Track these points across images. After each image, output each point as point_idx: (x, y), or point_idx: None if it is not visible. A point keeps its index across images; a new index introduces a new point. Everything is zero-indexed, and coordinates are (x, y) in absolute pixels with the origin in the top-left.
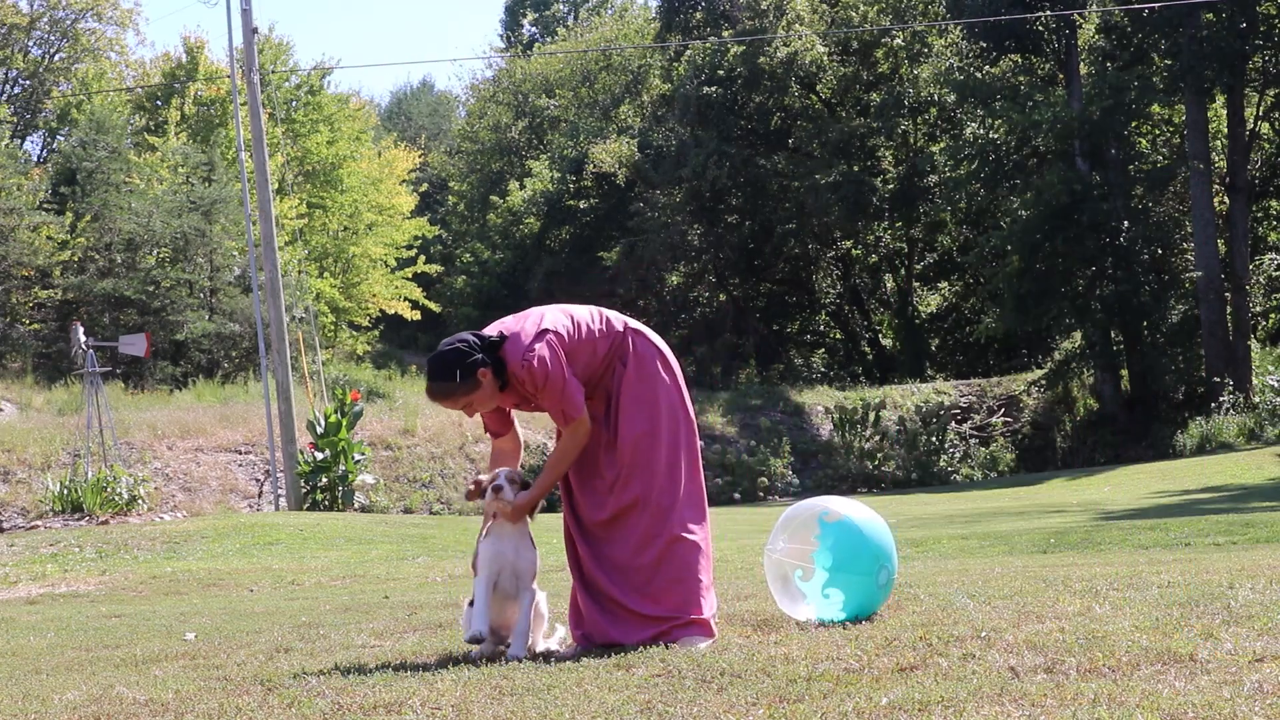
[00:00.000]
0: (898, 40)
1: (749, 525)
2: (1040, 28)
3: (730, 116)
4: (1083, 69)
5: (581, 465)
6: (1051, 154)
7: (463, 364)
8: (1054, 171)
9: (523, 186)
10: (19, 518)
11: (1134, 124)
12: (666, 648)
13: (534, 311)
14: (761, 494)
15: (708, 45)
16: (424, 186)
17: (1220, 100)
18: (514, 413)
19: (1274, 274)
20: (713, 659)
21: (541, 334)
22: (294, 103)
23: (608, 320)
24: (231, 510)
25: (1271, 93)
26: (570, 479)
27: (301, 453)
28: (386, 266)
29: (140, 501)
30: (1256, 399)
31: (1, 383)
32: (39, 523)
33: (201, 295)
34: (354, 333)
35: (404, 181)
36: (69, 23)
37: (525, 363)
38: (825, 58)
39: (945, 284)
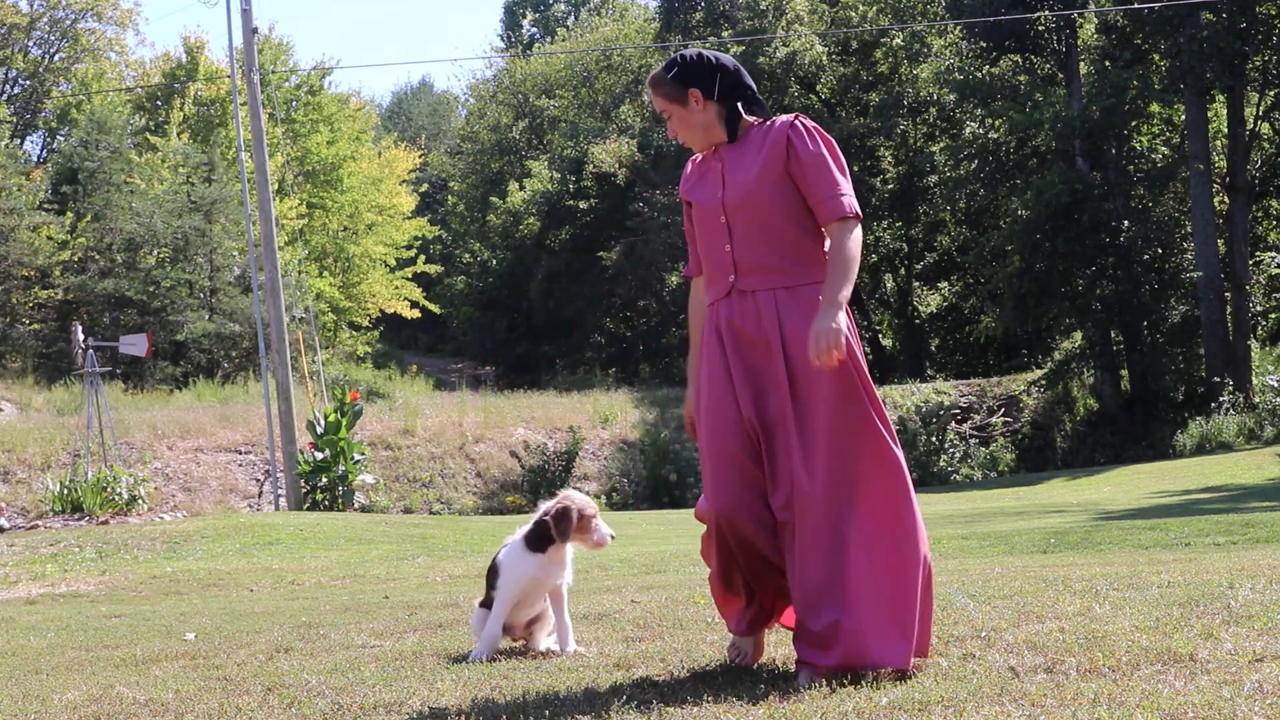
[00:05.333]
0: (897, 40)
1: None
2: (1040, 27)
3: None
4: (1083, 69)
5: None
6: (1051, 154)
7: (686, 71)
8: (1054, 171)
9: (522, 187)
10: (19, 518)
11: (1134, 124)
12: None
13: None
14: None
15: (707, 45)
16: (424, 186)
17: (1220, 100)
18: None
19: (1274, 274)
20: (713, 659)
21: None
22: (294, 103)
23: None
24: (231, 510)
25: (1271, 93)
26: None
27: (301, 453)
28: (386, 266)
29: (140, 501)
30: (1256, 399)
31: (1, 383)
32: (39, 523)
33: (201, 295)
34: (354, 333)
35: (404, 181)
36: (69, 23)
37: (800, 124)
38: (825, 58)
39: (945, 284)
